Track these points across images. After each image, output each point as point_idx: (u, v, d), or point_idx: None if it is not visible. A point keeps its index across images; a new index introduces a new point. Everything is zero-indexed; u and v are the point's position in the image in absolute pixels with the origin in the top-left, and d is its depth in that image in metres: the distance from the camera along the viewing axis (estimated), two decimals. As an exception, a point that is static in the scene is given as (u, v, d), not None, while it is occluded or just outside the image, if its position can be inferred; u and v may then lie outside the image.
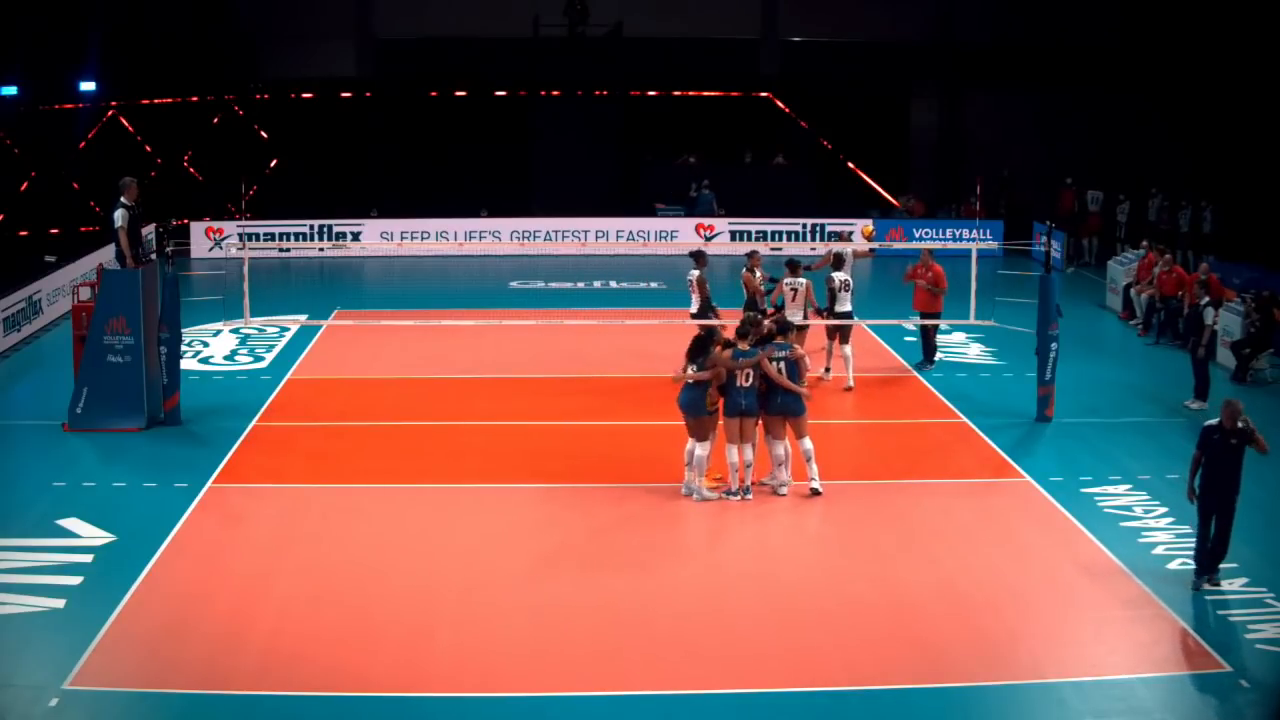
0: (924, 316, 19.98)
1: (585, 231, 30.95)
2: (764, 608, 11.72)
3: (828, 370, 19.34)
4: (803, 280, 18.57)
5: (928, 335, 20.27)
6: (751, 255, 19.52)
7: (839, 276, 19.02)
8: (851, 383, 18.87)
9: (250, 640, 10.98)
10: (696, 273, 19.00)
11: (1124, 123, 31.66)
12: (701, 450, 14.11)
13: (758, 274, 19.10)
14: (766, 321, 15.02)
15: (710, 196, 33.14)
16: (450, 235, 31.03)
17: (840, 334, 19.09)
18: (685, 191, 33.60)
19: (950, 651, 10.89)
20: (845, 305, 19.00)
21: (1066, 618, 11.55)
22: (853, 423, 17.57)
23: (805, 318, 18.35)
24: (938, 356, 20.64)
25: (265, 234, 30.39)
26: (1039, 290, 17.33)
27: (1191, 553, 12.85)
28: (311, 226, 31.08)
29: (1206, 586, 12.04)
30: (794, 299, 18.46)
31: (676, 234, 31.73)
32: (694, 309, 18.80)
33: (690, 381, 13.96)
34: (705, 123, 35.26)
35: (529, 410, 17.82)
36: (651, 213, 33.04)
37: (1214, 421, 12.06)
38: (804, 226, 31.88)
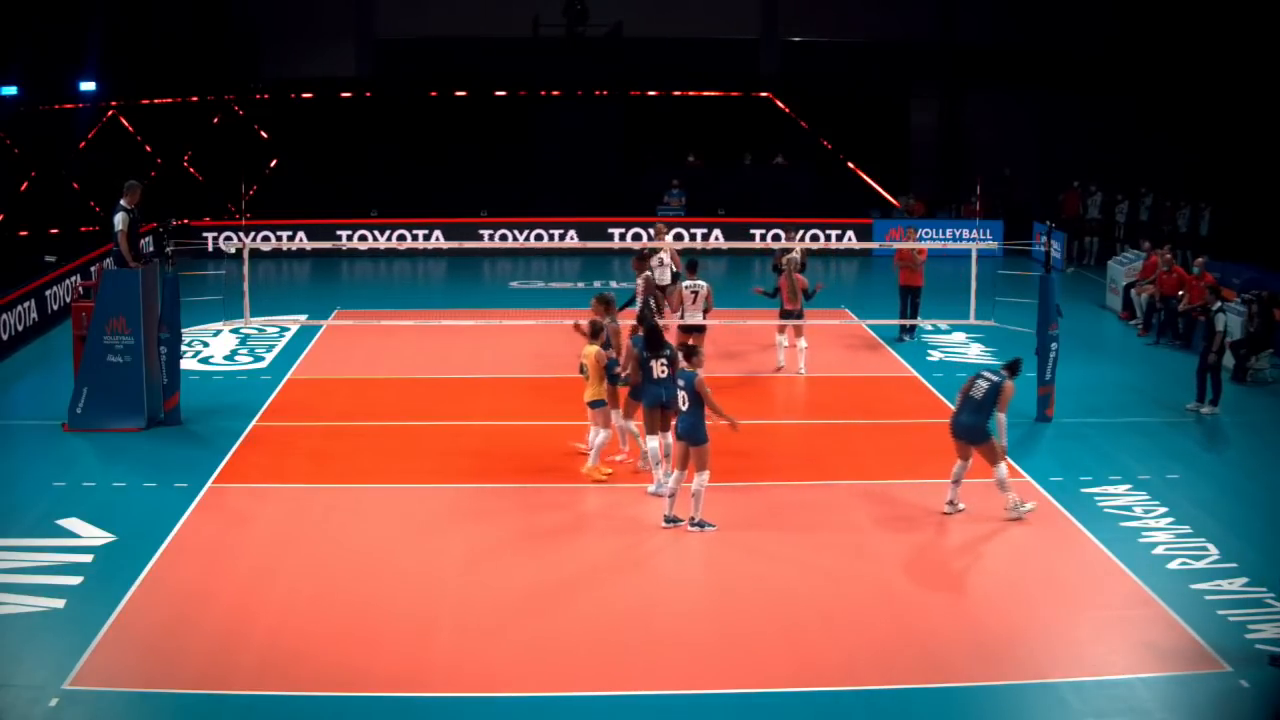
0: (906, 291, 21.74)
1: (585, 231, 30.89)
2: (764, 608, 11.72)
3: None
4: (703, 283, 18.61)
5: (914, 306, 21.71)
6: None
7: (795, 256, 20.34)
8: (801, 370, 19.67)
9: (250, 640, 10.98)
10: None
11: (1124, 123, 31.65)
12: (699, 481, 13.32)
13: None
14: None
15: None
16: (450, 235, 30.96)
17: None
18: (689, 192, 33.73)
19: (950, 651, 10.89)
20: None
21: (1066, 618, 11.54)
22: (853, 423, 17.56)
23: (704, 317, 18.48)
24: (938, 356, 20.65)
25: (265, 234, 30.38)
26: (1039, 290, 17.34)
27: (1195, 557, 12.87)
28: (312, 226, 31.05)
29: None
30: (694, 301, 18.48)
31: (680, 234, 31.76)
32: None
33: (683, 410, 13.44)
34: (705, 123, 35.25)
35: (528, 410, 17.81)
36: (652, 212, 33.01)
37: None
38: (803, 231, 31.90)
